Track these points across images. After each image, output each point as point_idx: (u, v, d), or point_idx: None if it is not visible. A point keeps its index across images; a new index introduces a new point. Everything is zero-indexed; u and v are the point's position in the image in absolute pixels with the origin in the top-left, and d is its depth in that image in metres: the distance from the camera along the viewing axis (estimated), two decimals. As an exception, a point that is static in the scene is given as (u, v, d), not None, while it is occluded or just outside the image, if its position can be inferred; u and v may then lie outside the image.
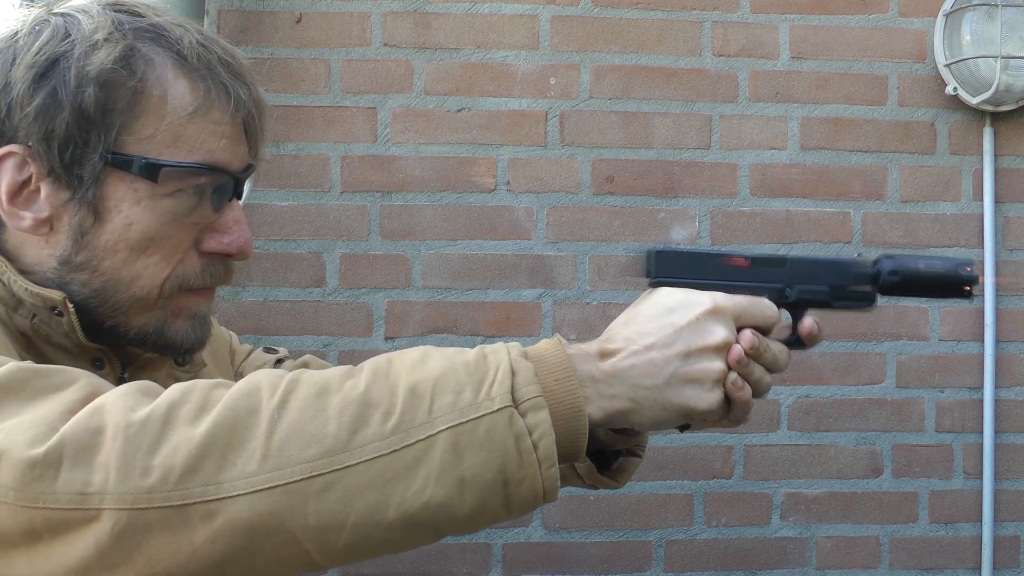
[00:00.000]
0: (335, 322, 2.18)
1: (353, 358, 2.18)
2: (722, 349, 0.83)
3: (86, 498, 0.68)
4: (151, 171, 0.85)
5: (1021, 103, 2.25)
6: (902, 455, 2.30)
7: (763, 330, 0.87)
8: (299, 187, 2.18)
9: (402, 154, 2.20)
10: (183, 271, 0.90)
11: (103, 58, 0.84)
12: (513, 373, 0.75)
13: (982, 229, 2.29)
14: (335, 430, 0.71)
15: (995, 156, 2.29)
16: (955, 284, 0.91)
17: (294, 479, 0.70)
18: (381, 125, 2.20)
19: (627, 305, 0.88)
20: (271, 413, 0.71)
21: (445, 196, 2.21)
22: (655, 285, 0.87)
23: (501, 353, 0.77)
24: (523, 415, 0.74)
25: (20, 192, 0.86)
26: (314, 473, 0.70)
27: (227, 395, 0.72)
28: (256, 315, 2.17)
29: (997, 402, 2.28)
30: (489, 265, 2.21)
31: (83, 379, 0.75)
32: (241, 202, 0.95)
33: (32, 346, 0.89)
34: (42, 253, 0.88)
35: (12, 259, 0.89)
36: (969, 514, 2.30)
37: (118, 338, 0.91)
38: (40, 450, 0.68)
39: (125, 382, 0.95)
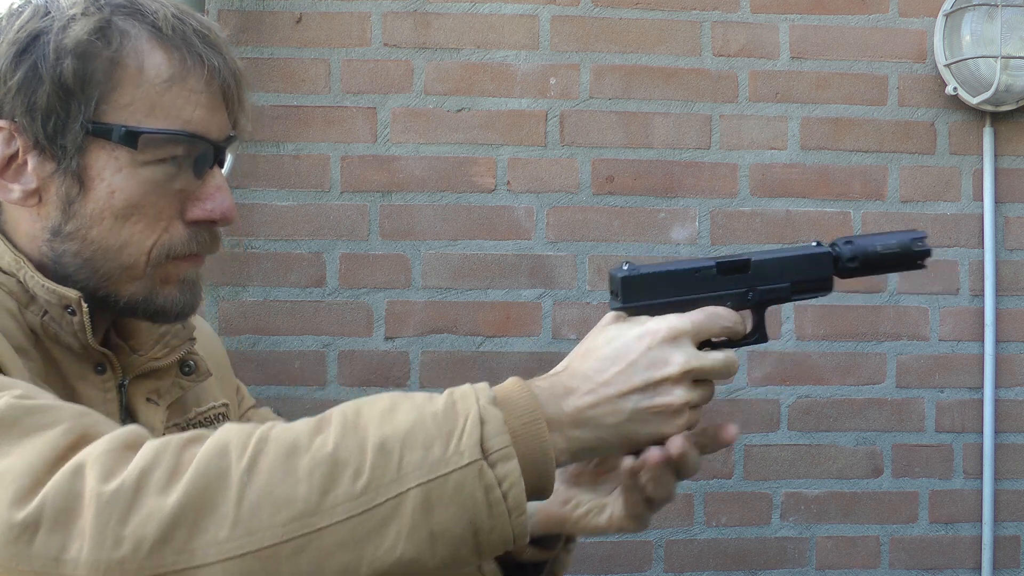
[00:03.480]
0: (335, 322, 2.18)
1: (353, 358, 2.18)
2: (683, 377, 0.83)
3: (61, 564, 0.68)
4: (130, 139, 0.87)
5: (1021, 103, 2.25)
6: (902, 455, 2.30)
7: (727, 339, 0.88)
8: (299, 187, 2.18)
9: (402, 154, 2.20)
10: (169, 239, 0.91)
11: (79, 31, 0.87)
12: (482, 422, 0.75)
13: (982, 229, 2.29)
14: (305, 492, 0.71)
15: (995, 156, 2.29)
16: (911, 260, 0.94)
17: (266, 544, 0.69)
18: (381, 125, 2.20)
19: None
20: (240, 476, 0.70)
21: (445, 196, 2.21)
22: (621, 311, 0.88)
23: (470, 400, 0.76)
24: (492, 466, 0.73)
25: (8, 166, 0.89)
26: (286, 537, 0.70)
27: (198, 457, 0.71)
28: (256, 315, 2.17)
29: (997, 402, 2.28)
30: (489, 265, 2.21)
31: (71, 419, 0.74)
32: (224, 171, 0.96)
33: (39, 344, 0.90)
34: (35, 227, 0.90)
35: (9, 238, 0.92)
36: (969, 514, 2.30)
37: (109, 309, 0.92)
38: (21, 513, 0.68)
39: (125, 389, 0.96)
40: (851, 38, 2.30)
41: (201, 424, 1.07)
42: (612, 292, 0.89)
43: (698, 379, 0.85)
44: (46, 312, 0.90)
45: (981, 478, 2.29)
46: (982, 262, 2.29)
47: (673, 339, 0.83)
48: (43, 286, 0.88)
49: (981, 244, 2.30)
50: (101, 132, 0.87)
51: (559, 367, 0.85)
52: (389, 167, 2.20)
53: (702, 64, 2.27)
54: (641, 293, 0.87)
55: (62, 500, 0.68)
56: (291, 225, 2.18)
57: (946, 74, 2.25)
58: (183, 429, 1.04)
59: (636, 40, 2.25)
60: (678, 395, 0.83)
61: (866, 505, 2.29)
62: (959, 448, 2.30)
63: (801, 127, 2.29)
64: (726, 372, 0.86)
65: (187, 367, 1.03)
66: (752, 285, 0.90)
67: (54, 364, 0.91)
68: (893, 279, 2.29)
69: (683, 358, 0.83)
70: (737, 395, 2.26)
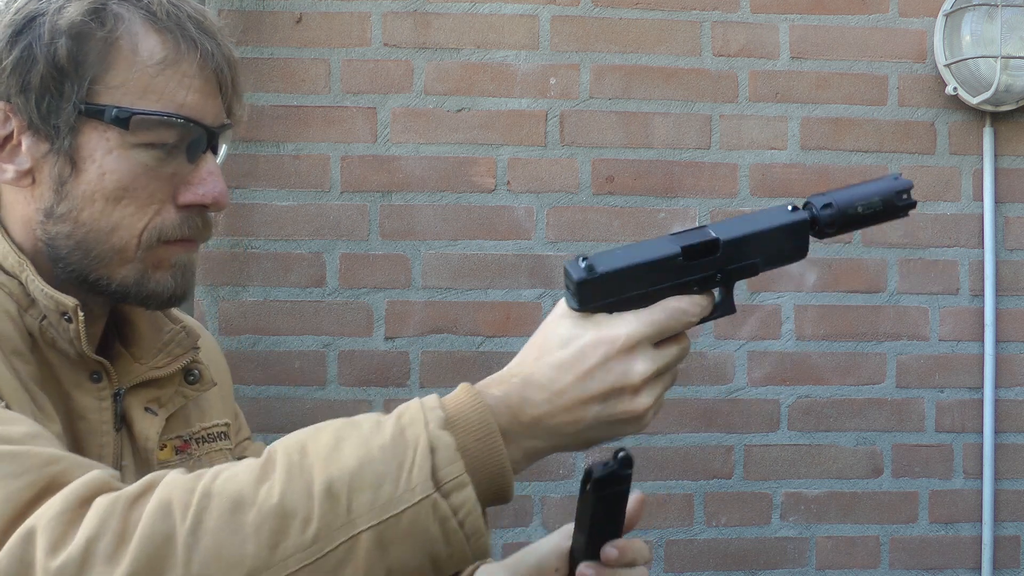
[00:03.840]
0: (335, 322, 2.18)
1: (353, 358, 2.18)
2: (643, 384, 0.78)
3: None
4: (122, 119, 0.88)
5: (1021, 103, 2.25)
6: (902, 455, 2.30)
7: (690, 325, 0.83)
8: (299, 187, 2.18)
9: (402, 154, 2.20)
10: (160, 223, 0.91)
11: (74, 12, 0.88)
12: (432, 451, 0.72)
13: (982, 229, 2.29)
14: (254, 549, 0.69)
15: (995, 156, 2.29)
16: (895, 213, 0.86)
17: None
18: (381, 125, 2.20)
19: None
20: (186, 539, 0.68)
21: (445, 196, 2.21)
22: (578, 311, 0.80)
23: (418, 426, 0.73)
24: (446, 496, 0.71)
25: (3, 146, 0.90)
26: None
27: (142, 520, 0.69)
28: (256, 315, 2.17)
29: (997, 402, 2.28)
30: (489, 265, 2.21)
31: (38, 469, 0.73)
32: (219, 160, 0.97)
33: (36, 348, 0.90)
34: (29, 209, 0.91)
35: (6, 225, 0.92)
36: (969, 514, 2.30)
37: (100, 292, 0.92)
38: None
39: (121, 399, 0.95)
40: (851, 38, 2.30)
41: (205, 440, 1.06)
42: (566, 288, 0.80)
43: (660, 374, 0.81)
44: (44, 317, 0.90)
45: (981, 478, 2.29)
46: (982, 262, 2.29)
47: (631, 348, 0.78)
48: (43, 291, 0.89)
49: (981, 244, 2.30)
50: (93, 113, 0.88)
51: (512, 365, 0.81)
52: (389, 167, 2.20)
53: (702, 64, 2.27)
54: (600, 295, 0.78)
55: (15, 568, 0.67)
56: (291, 225, 2.18)
57: (946, 74, 2.25)
58: (186, 443, 1.03)
59: (636, 40, 2.25)
60: (641, 402, 0.78)
61: (866, 505, 2.29)
62: (959, 448, 2.30)
63: (801, 127, 2.29)
64: (683, 357, 0.82)
65: (191, 376, 1.02)
66: (721, 266, 0.81)
67: (51, 369, 0.91)
68: (893, 279, 2.29)
69: (643, 366, 0.78)
70: (737, 395, 2.26)
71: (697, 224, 2.24)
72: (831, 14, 2.29)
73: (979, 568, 2.29)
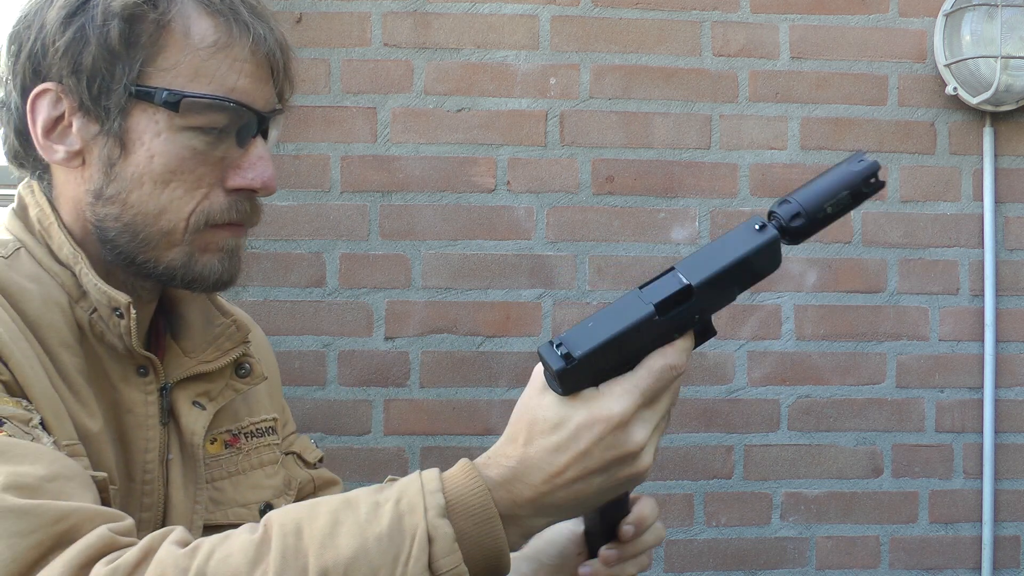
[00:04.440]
0: (335, 322, 2.18)
1: (353, 358, 2.18)
2: (640, 450, 0.78)
3: None
4: (172, 102, 0.88)
5: (1021, 103, 2.25)
6: (902, 455, 2.30)
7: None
8: (299, 187, 2.18)
9: (402, 154, 2.20)
10: (208, 206, 0.91)
11: None
12: (431, 541, 0.71)
13: (982, 229, 2.29)
14: None
15: (995, 156, 2.29)
16: (864, 198, 0.84)
17: None
18: (381, 125, 2.20)
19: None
20: None
21: (445, 196, 2.21)
22: (563, 395, 0.78)
23: (417, 514, 0.72)
24: None
25: (55, 127, 0.90)
26: None
27: None
28: (256, 315, 2.15)
29: (997, 402, 2.28)
30: (489, 265, 2.21)
31: (48, 528, 0.72)
32: (269, 144, 0.96)
33: (85, 340, 0.91)
34: (79, 190, 0.91)
35: (57, 204, 0.92)
36: (969, 514, 2.30)
37: (148, 274, 0.92)
38: None
39: (167, 394, 0.96)
40: (851, 38, 2.30)
41: (253, 435, 1.06)
42: (546, 375, 0.78)
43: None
44: (95, 310, 0.90)
45: (981, 478, 2.29)
46: (982, 262, 2.29)
47: (627, 423, 0.76)
48: (95, 285, 0.89)
49: (981, 244, 2.30)
50: (144, 95, 0.88)
51: (503, 445, 0.79)
52: (389, 167, 2.20)
53: (702, 64, 2.27)
54: (582, 378, 0.76)
55: None
56: (291, 225, 2.18)
57: (946, 74, 2.25)
58: (235, 437, 1.04)
59: (636, 40, 2.25)
60: (643, 462, 0.79)
61: (866, 505, 2.29)
62: (959, 448, 2.30)
63: (801, 127, 2.29)
64: (675, 402, 0.82)
65: (242, 369, 1.02)
66: (698, 309, 0.78)
67: (98, 362, 0.91)
68: (893, 279, 2.29)
69: (641, 433, 0.77)
70: (737, 395, 2.26)
71: (696, 223, 2.25)
72: (831, 14, 2.29)
73: (979, 568, 2.29)
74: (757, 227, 0.79)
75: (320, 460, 1.20)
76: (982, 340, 2.29)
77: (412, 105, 2.21)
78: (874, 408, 2.29)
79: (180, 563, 0.70)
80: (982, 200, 2.30)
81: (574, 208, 2.23)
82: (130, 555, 0.71)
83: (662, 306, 0.76)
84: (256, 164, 0.93)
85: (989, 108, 2.25)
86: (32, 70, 0.90)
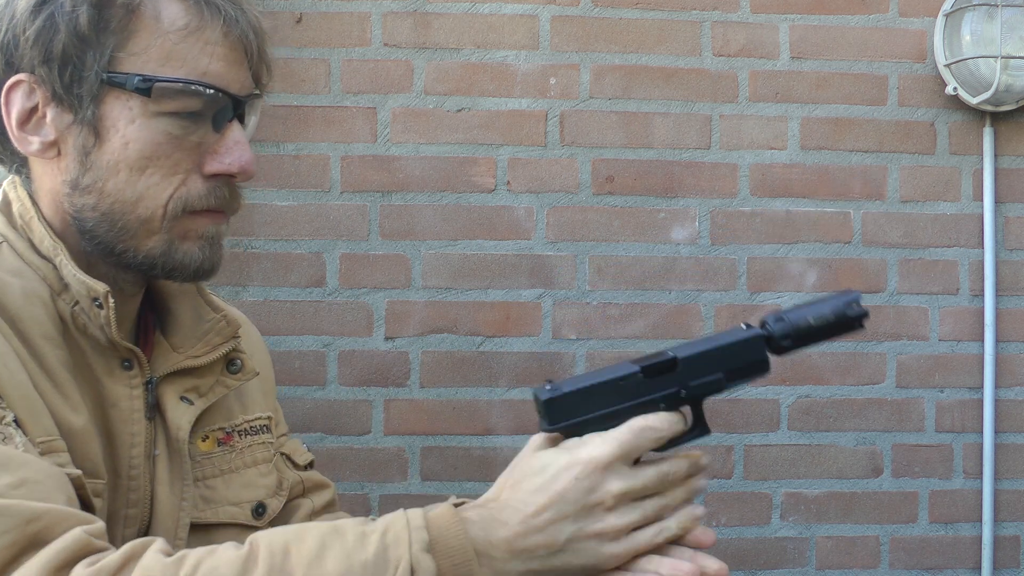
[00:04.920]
0: (335, 322, 2.18)
1: (353, 358, 2.18)
2: (617, 502, 0.80)
3: None
4: (144, 88, 0.87)
5: (1021, 103, 2.25)
6: (902, 455, 2.30)
7: (664, 445, 0.86)
8: (299, 187, 2.18)
9: (402, 154, 2.20)
10: (186, 192, 0.90)
11: None
12: (412, 572, 0.74)
13: (982, 229, 2.29)
14: None
15: (995, 156, 2.29)
16: (847, 324, 0.89)
17: None
18: (381, 125, 2.20)
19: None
20: None
21: (445, 196, 2.21)
22: (549, 431, 0.85)
23: (402, 547, 0.75)
24: None
25: (29, 119, 0.89)
26: None
27: None
28: (256, 315, 2.16)
29: (997, 402, 2.28)
30: (489, 265, 2.21)
31: (20, 528, 0.72)
32: (247, 132, 0.95)
33: (68, 333, 0.90)
34: (56, 181, 0.91)
35: (36, 198, 0.92)
36: (969, 514, 2.30)
37: (127, 264, 0.92)
38: None
39: (153, 388, 0.95)
40: (851, 38, 2.30)
41: (247, 433, 1.05)
42: (538, 412, 0.85)
43: (638, 498, 0.83)
44: (77, 302, 0.89)
45: (981, 478, 2.29)
46: (982, 262, 2.29)
47: (602, 467, 0.80)
48: (74, 276, 0.88)
49: (981, 244, 2.30)
50: (116, 82, 0.87)
51: (490, 493, 0.83)
52: (389, 167, 2.20)
53: (702, 64, 2.27)
54: (567, 412, 0.83)
55: None
56: (291, 225, 2.18)
57: (946, 74, 2.25)
58: (228, 435, 1.03)
59: (636, 40, 2.25)
60: (611, 522, 0.80)
61: (866, 505, 2.29)
62: (959, 448, 2.30)
63: (801, 127, 2.29)
64: (662, 485, 0.84)
65: (233, 365, 1.02)
66: (683, 383, 0.87)
67: (82, 356, 0.91)
68: (893, 279, 2.29)
69: (617, 484, 0.80)
70: (737, 395, 2.26)
71: (696, 223, 2.25)
72: (831, 14, 2.29)
73: (979, 568, 2.29)
74: (744, 326, 0.89)
75: (310, 464, 1.19)
76: (982, 340, 2.29)
77: (412, 105, 2.21)
78: (874, 408, 2.29)
79: (167, 571, 0.70)
80: (982, 200, 2.29)
81: (574, 208, 2.23)
82: (113, 559, 0.71)
83: (647, 369, 0.85)
84: (233, 149, 0.92)
85: (989, 108, 2.25)
86: (4, 62, 0.89)
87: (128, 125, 0.88)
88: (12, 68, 0.89)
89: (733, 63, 2.27)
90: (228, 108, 0.91)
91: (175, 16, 0.88)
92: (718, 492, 2.26)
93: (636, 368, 0.85)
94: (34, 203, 0.92)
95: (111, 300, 0.88)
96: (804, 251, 2.26)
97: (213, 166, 0.91)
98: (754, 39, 2.28)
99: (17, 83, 0.89)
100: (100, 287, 0.88)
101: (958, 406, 2.30)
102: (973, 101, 2.22)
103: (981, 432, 2.29)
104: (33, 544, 0.71)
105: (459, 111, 2.22)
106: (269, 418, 1.10)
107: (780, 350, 0.89)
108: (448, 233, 2.21)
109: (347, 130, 2.19)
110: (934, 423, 2.30)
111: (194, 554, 0.72)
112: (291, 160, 2.18)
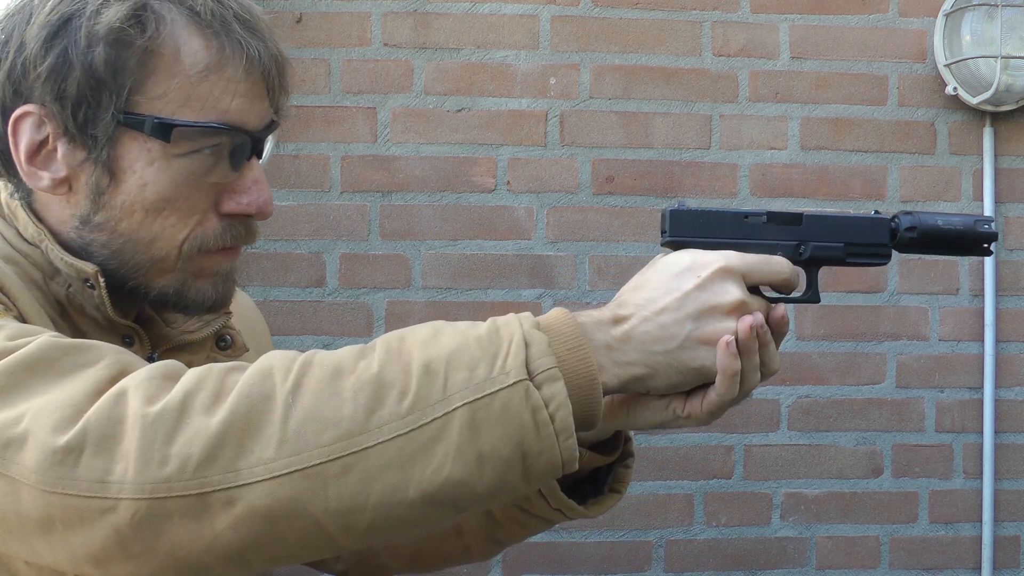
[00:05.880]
0: (335, 322, 2.18)
1: (353, 358, 2.18)
2: (735, 309, 0.82)
3: (105, 486, 0.68)
4: (163, 131, 0.84)
5: (1021, 103, 2.25)
6: (902, 455, 2.30)
7: (777, 287, 0.87)
8: (299, 187, 2.18)
9: (402, 154, 2.20)
10: (202, 233, 0.89)
11: (112, 16, 0.83)
12: (527, 345, 0.75)
13: (982, 229, 2.29)
14: (351, 412, 0.71)
15: (995, 156, 2.29)
16: (974, 241, 0.91)
17: (312, 463, 0.69)
18: (381, 125, 2.20)
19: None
20: (285, 397, 0.71)
21: (445, 196, 2.21)
22: (669, 245, 0.88)
23: (513, 325, 0.77)
24: (539, 387, 0.73)
25: (38, 152, 0.86)
26: (332, 456, 0.70)
27: (241, 381, 0.72)
28: (256, 315, 2.16)
29: (997, 402, 2.28)
30: (489, 265, 2.21)
31: (111, 356, 0.75)
32: (263, 161, 0.93)
33: (67, 315, 0.89)
34: (64, 213, 0.88)
35: (40, 219, 0.89)
36: (969, 514, 2.30)
37: (139, 300, 0.91)
38: (64, 438, 0.68)
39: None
40: (851, 38, 2.30)
41: None
42: (662, 231, 0.90)
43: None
44: (70, 285, 0.88)
45: (981, 478, 2.29)
46: (982, 262, 2.29)
47: (726, 273, 0.82)
48: (62, 259, 0.87)
49: (981, 244, 2.29)
50: (133, 124, 0.84)
51: (612, 302, 0.85)
52: (389, 167, 2.20)
53: (702, 64, 2.27)
54: (689, 228, 0.87)
55: (104, 424, 0.69)
56: (291, 225, 2.18)
57: (946, 74, 2.25)
58: None
59: (636, 40, 2.25)
60: (730, 326, 0.82)
61: (866, 505, 2.29)
62: (959, 448, 2.30)
63: (801, 127, 2.29)
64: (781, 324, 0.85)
65: (223, 341, 1.00)
66: (804, 239, 0.88)
67: (83, 336, 0.89)
68: (893, 279, 2.29)
69: (735, 293, 0.82)
70: (737, 395, 2.26)
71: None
72: (831, 14, 2.29)
73: (979, 568, 2.29)
74: (874, 212, 0.92)
75: None
76: (982, 340, 2.29)
77: (412, 105, 2.21)
78: (874, 408, 2.29)
79: (288, 355, 0.75)
80: (982, 200, 2.29)
81: (574, 208, 2.23)
82: (222, 364, 0.75)
83: (772, 215, 0.88)
84: (251, 188, 0.90)
85: (989, 108, 2.25)
86: (12, 90, 0.86)
87: (147, 167, 0.85)
88: (20, 97, 0.86)
89: (733, 63, 2.27)
90: (247, 146, 0.89)
91: (196, 55, 0.85)
92: (718, 492, 2.26)
93: (763, 212, 0.88)
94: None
95: (101, 279, 0.87)
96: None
97: (231, 206, 0.89)
98: (754, 39, 2.28)
99: (26, 114, 0.86)
100: (88, 267, 0.87)
101: (958, 406, 2.30)
102: (973, 101, 2.22)
103: (981, 432, 2.29)
104: (125, 371, 0.74)
105: (459, 111, 2.22)
106: None
107: (904, 244, 0.90)
108: (448, 233, 2.21)
109: (347, 130, 2.19)
110: (934, 423, 2.30)
111: (310, 351, 0.76)
112: (291, 160, 2.18)
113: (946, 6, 2.25)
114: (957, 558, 2.30)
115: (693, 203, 0.90)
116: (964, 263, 2.30)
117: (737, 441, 2.26)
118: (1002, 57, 2.15)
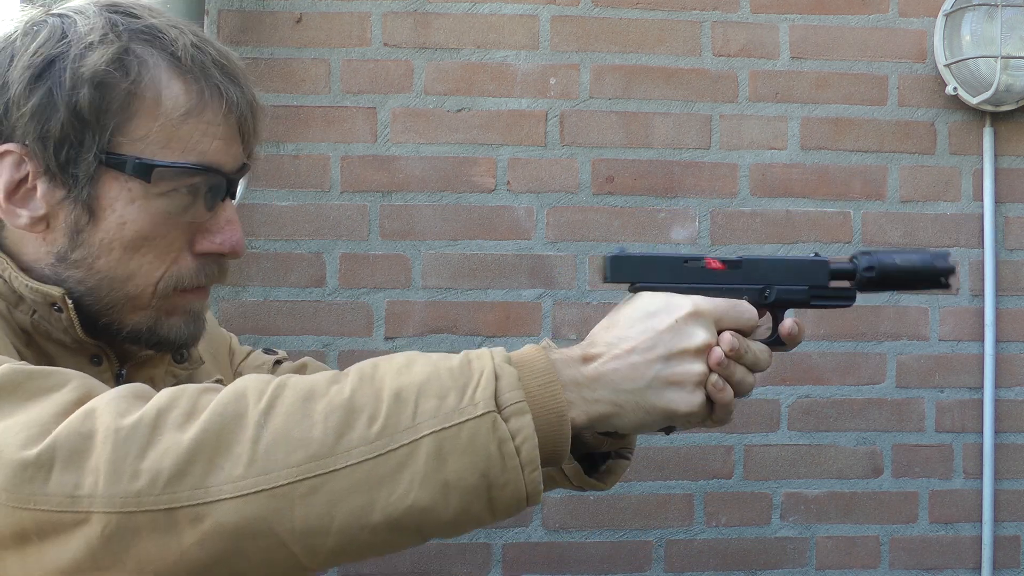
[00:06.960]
0: (335, 322, 2.18)
1: (353, 358, 2.17)
2: (702, 351, 0.84)
3: (76, 500, 0.69)
4: (144, 171, 0.86)
5: (1021, 103, 2.25)
6: (902, 455, 2.30)
7: (743, 332, 0.88)
8: (299, 187, 2.18)
9: (402, 154, 2.20)
10: (177, 271, 0.91)
11: (97, 59, 0.85)
12: (497, 378, 0.76)
13: (982, 229, 2.29)
14: (321, 435, 0.72)
15: (995, 156, 2.29)
16: (932, 276, 0.91)
17: (280, 483, 0.70)
18: (381, 125, 2.20)
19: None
20: (257, 418, 0.72)
21: (445, 196, 2.21)
22: (633, 290, 0.88)
23: (485, 359, 0.78)
24: (506, 420, 0.75)
25: (17, 190, 0.88)
26: (300, 477, 0.71)
27: (215, 400, 0.73)
28: (256, 315, 2.16)
29: (997, 402, 2.28)
30: (489, 265, 2.21)
31: (76, 380, 0.76)
32: (235, 201, 0.96)
33: (32, 342, 0.90)
34: (40, 250, 0.89)
35: (12, 256, 0.90)
36: (969, 514, 2.30)
37: (112, 336, 0.92)
38: (32, 452, 0.69)
39: (123, 379, 0.95)
40: (851, 38, 2.30)
41: None
42: (603, 276, 0.90)
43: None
44: (35, 311, 0.89)
45: (981, 478, 2.29)
46: (982, 262, 2.29)
47: (697, 316, 0.84)
48: (27, 286, 0.87)
49: (981, 244, 2.30)
50: (114, 164, 0.86)
51: (583, 341, 0.86)
52: (389, 167, 2.20)
53: (702, 64, 2.27)
54: (630, 273, 0.88)
55: (74, 439, 0.70)
56: (291, 225, 2.18)
57: (946, 74, 2.25)
58: None
59: (636, 40, 2.25)
60: (698, 368, 0.83)
61: (866, 505, 2.29)
62: (959, 448, 2.30)
63: (801, 127, 2.29)
64: (735, 355, 0.86)
65: (179, 356, 1.02)
66: (769, 283, 0.90)
67: (50, 360, 0.90)
68: (893, 279, 2.29)
69: (704, 335, 0.84)
70: (737, 395, 2.26)
71: (696, 223, 2.25)
72: (831, 14, 2.29)
73: (979, 568, 2.29)
74: (813, 254, 0.93)
75: (277, 362, 1.23)
76: (982, 340, 2.29)
77: (412, 105, 2.21)
78: (874, 408, 2.29)
79: (262, 377, 0.76)
80: (982, 200, 2.30)
81: (574, 208, 2.23)
82: (196, 384, 0.76)
83: (732, 262, 0.90)
84: (225, 228, 0.92)
85: (989, 108, 2.25)
86: None
87: (127, 206, 0.87)
88: (1, 136, 0.87)
89: (733, 63, 2.27)
90: (222, 187, 0.91)
91: (176, 99, 0.87)
92: (718, 492, 2.26)
93: (701, 256, 0.90)
94: None
95: (69, 302, 0.88)
96: (804, 251, 2.26)
97: (205, 245, 0.92)
98: (754, 39, 2.28)
99: (6, 153, 0.87)
100: (55, 290, 0.87)
101: (958, 406, 2.30)
102: (973, 101, 2.22)
103: (981, 432, 2.29)
104: (91, 394, 0.74)
105: (459, 111, 2.22)
106: (220, 381, 1.10)
107: (864, 284, 0.91)
108: (448, 233, 2.21)
109: (347, 130, 2.19)
110: (934, 423, 2.30)
111: (284, 375, 0.77)
112: (291, 160, 2.18)
113: (946, 6, 2.25)
114: (957, 558, 2.30)
115: (635, 248, 0.91)
116: (964, 263, 2.30)
117: (737, 441, 2.26)
118: (1002, 57, 2.15)
